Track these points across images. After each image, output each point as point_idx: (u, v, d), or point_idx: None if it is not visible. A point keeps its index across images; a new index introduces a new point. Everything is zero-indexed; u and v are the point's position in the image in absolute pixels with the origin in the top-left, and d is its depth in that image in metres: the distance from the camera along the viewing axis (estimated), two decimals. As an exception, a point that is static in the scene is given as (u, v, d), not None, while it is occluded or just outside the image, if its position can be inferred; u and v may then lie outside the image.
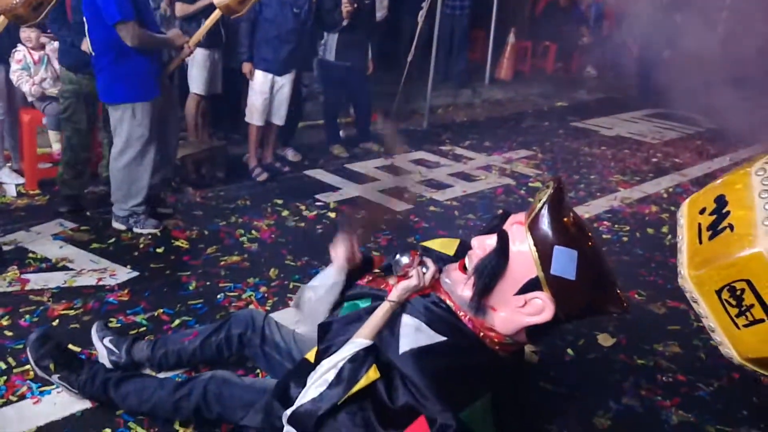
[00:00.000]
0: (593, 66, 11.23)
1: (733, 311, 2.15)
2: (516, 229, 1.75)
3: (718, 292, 2.17)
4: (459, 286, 1.83)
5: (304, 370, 1.88)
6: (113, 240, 3.78)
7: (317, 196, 4.74)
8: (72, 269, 3.41)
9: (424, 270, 1.93)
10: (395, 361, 1.73)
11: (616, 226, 4.67)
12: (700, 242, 2.35)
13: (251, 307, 3.16)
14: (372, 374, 1.70)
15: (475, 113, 8.13)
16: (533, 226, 1.70)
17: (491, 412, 1.74)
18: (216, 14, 4.08)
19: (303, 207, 4.51)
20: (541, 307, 1.69)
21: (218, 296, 3.25)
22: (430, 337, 1.77)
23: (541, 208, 1.71)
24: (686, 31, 6.68)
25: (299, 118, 5.74)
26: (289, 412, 1.74)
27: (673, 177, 6.03)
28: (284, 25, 4.76)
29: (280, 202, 4.56)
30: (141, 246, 3.74)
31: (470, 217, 4.62)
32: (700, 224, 2.40)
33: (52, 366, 2.38)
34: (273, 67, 4.84)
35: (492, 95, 8.99)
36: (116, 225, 3.89)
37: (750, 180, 2.21)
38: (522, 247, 1.70)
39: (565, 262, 1.64)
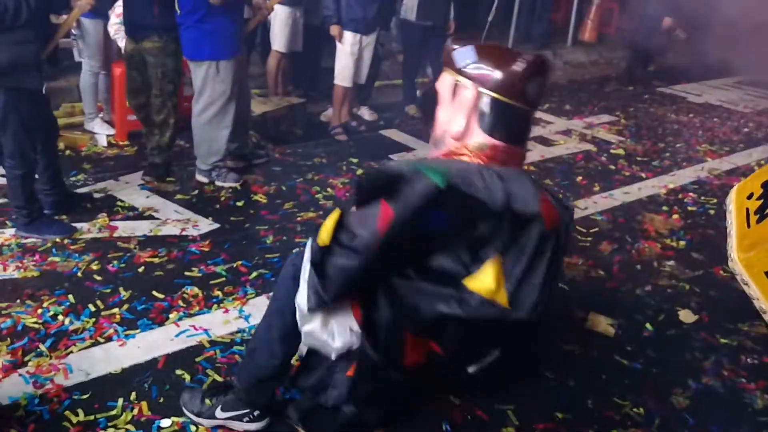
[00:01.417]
0: (682, 28, 10.59)
1: None
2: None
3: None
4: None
5: None
6: (196, 192, 3.91)
7: (391, 156, 4.73)
8: (157, 219, 3.55)
9: None
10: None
11: (702, 198, 4.47)
12: (749, 226, 2.31)
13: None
14: (335, 214, 1.80)
15: (556, 76, 7.85)
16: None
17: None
18: None
19: (377, 166, 4.52)
20: (465, 91, 1.87)
21: (294, 251, 3.31)
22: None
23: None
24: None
25: (376, 77, 5.71)
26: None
27: (766, 148, 5.68)
28: None
29: (355, 160, 4.58)
30: (222, 199, 3.85)
31: (548, 183, 4.52)
32: (747, 209, 2.36)
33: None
34: (361, 27, 4.81)
35: (574, 58, 8.66)
36: (199, 178, 4.01)
37: None
38: (444, 76, 1.96)
39: (464, 54, 1.90)
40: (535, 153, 5.09)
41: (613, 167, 4.96)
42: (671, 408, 2.45)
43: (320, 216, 3.72)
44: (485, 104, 1.83)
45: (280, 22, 5.05)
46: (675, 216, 4.15)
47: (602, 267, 3.46)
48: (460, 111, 1.87)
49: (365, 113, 5.59)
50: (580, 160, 5.04)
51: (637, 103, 6.88)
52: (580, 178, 4.68)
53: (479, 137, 1.85)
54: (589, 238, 3.78)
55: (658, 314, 3.03)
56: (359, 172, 4.40)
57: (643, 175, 4.86)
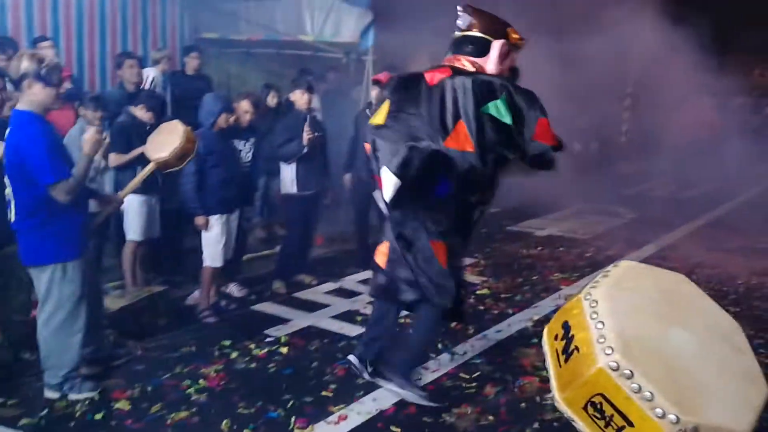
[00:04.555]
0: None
1: (601, 423, 2.38)
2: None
3: (585, 409, 2.40)
4: None
5: None
6: (45, 412, 3.46)
7: (267, 332, 4.58)
8: (-1, 454, 3.10)
9: None
10: None
11: (567, 325, 4.68)
12: (560, 366, 2.59)
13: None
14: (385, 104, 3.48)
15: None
16: None
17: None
18: (150, 167, 4.14)
19: (252, 345, 4.33)
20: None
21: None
22: None
23: None
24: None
25: (243, 252, 5.63)
26: None
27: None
28: (232, 168, 4.86)
29: (227, 343, 4.36)
30: (77, 415, 3.44)
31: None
32: (557, 350, 2.67)
33: None
34: (225, 207, 4.82)
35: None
36: (48, 394, 3.58)
37: (582, 304, 2.60)
38: None
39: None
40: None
41: (482, 307, 5.13)
42: None
43: (193, 414, 3.44)
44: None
45: (133, 212, 4.95)
46: (546, 347, 4.29)
47: (490, 412, 3.45)
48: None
49: (234, 290, 5.42)
50: (451, 306, 5.16)
51: (492, 243, 7.30)
52: (454, 323, 4.76)
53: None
54: (474, 384, 3.79)
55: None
56: (234, 355, 4.19)
57: (510, 311, 5.06)
